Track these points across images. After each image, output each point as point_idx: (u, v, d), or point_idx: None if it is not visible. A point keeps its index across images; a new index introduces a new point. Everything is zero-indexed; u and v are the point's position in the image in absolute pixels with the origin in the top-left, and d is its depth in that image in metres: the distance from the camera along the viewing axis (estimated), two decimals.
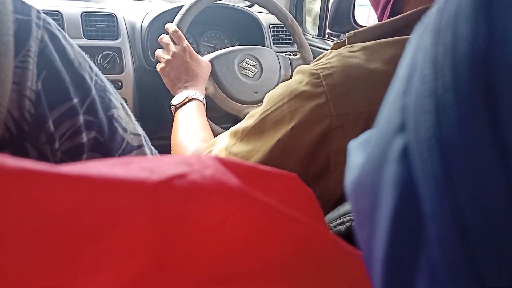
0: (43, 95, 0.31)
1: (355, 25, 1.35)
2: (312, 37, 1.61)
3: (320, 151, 0.52)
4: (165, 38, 1.00)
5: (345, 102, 0.49)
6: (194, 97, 0.91)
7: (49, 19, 0.34)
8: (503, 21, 0.11)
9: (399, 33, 0.52)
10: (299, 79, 0.53)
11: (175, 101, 0.94)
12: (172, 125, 1.26)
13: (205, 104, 0.95)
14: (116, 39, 1.18)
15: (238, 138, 0.59)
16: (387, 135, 0.15)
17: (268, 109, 0.56)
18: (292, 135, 0.52)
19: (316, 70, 0.51)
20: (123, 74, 1.19)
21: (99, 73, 0.37)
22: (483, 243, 0.11)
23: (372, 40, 0.53)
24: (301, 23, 1.63)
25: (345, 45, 0.56)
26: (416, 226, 0.13)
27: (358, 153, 0.20)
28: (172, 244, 0.17)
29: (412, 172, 0.13)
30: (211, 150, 0.64)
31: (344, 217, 0.43)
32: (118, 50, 1.18)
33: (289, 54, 1.35)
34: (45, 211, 0.15)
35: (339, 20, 1.34)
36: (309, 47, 1.22)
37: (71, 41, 0.35)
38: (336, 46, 0.58)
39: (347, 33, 0.58)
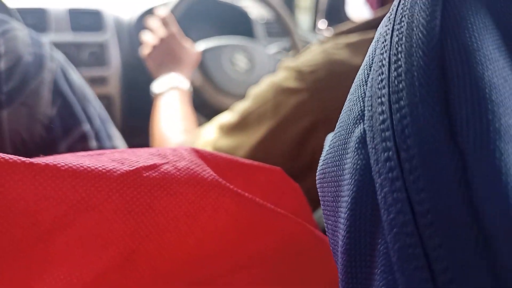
0: (57, 119, 0.34)
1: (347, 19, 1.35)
2: (303, 31, 1.60)
3: (305, 146, 0.52)
4: (154, 22, 0.96)
5: (328, 98, 0.49)
6: (178, 86, 0.85)
7: (60, 53, 0.37)
8: (457, 10, 0.11)
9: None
10: (283, 76, 0.54)
11: (156, 88, 0.86)
12: None
13: (191, 93, 0.90)
14: (103, 35, 1.17)
15: (223, 132, 0.59)
16: (349, 124, 0.15)
17: (252, 105, 0.56)
18: (277, 130, 0.52)
19: (299, 66, 0.52)
20: (109, 70, 1.17)
21: (101, 104, 0.41)
22: (433, 227, 0.11)
23: (359, 31, 0.53)
24: (293, 17, 1.62)
25: (333, 40, 0.56)
26: (373, 214, 0.13)
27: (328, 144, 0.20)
28: (144, 235, 0.17)
29: (369, 162, 0.13)
30: (194, 143, 0.64)
31: None
32: (105, 46, 1.16)
33: (281, 51, 1.34)
34: (12, 199, 0.15)
35: (332, 13, 1.33)
36: (300, 48, 1.21)
37: (78, 73, 0.38)
38: (324, 42, 0.58)
39: (335, 30, 0.58)
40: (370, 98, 0.13)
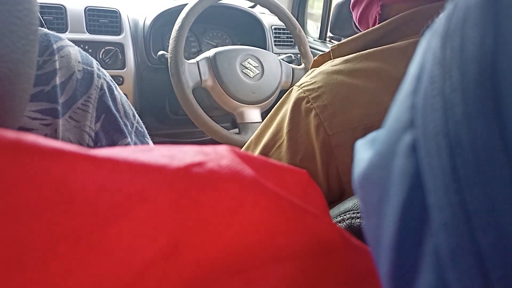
0: (101, 133, 0.36)
1: (356, 29, 1.36)
2: (313, 39, 1.62)
3: (331, 172, 0.52)
4: None
5: (339, 121, 0.50)
6: None
7: (105, 72, 0.39)
8: (508, 26, 0.12)
9: (382, 40, 0.53)
10: (290, 107, 0.53)
11: None
12: (173, 121, 1.26)
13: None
14: (119, 35, 1.19)
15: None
16: (397, 132, 0.16)
17: (267, 145, 0.56)
18: (304, 166, 0.52)
19: (304, 93, 0.52)
20: (124, 69, 1.19)
21: (139, 119, 0.43)
22: (486, 228, 0.12)
23: (355, 51, 0.53)
24: (303, 25, 1.64)
25: (330, 57, 0.57)
26: (422, 215, 0.14)
27: (364, 150, 0.21)
28: (189, 228, 0.18)
29: (419, 166, 0.14)
30: None
31: (344, 215, 0.43)
32: (120, 46, 1.18)
33: (290, 57, 1.36)
34: (74, 189, 0.16)
35: (340, 24, 1.35)
36: (312, 58, 1.23)
37: (120, 91, 0.40)
38: (320, 58, 0.59)
39: (331, 46, 0.58)
40: (422, 108, 0.15)
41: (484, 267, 0.11)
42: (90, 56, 0.38)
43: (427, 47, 0.15)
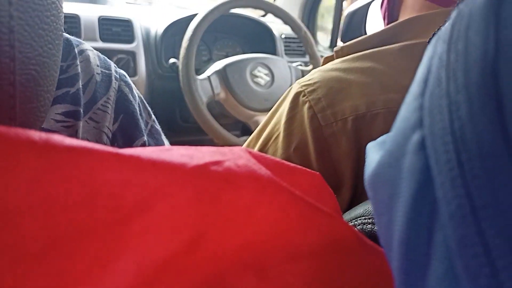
0: (118, 133, 0.38)
1: None
2: (324, 48, 1.63)
3: (326, 163, 0.54)
4: None
5: (331, 112, 0.53)
6: None
7: (123, 72, 0.41)
8: (509, 32, 0.13)
9: (384, 43, 0.56)
10: (288, 103, 0.57)
11: None
12: (183, 129, 1.28)
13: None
14: (131, 43, 1.21)
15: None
16: (406, 131, 0.17)
17: (266, 138, 0.60)
18: (296, 156, 0.56)
19: (301, 88, 0.55)
20: (136, 77, 1.21)
21: (155, 118, 0.44)
22: (491, 219, 0.12)
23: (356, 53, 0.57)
24: (314, 34, 1.65)
25: (333, 59, 0.60)
26: (432, 208, 0.15)
27: (375, 151, 0.22)
28: (209, 223, 0.19)
29: (428, 162, 0.15)
30: None
31: (356, 220, 0.44)
32: (132, 54, 1.20)
33: (301, 65, 1.37)
34: (100, 184, 0.16)
35: (351, 33, 1.35)
36: (320, 58, 1.24)
37: (137, 90, 0.42)
38: (326, 60, 0.62)
39: (335, 48, 0.61)
40: (429, 108, 0.15)
41: (490, 255, 0.12)
42: (108, 59, 0.40)
43: (433, 52, 0.16)
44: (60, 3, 0.25)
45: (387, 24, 0.63)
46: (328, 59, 0.61)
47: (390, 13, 0.62)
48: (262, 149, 0.60)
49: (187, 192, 0.18)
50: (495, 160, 0.12)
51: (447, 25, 0.16)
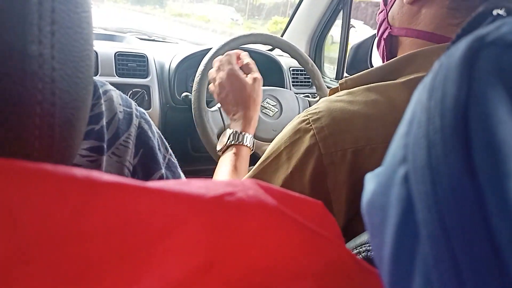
0: (138, 167, 0.41)
1: None
2: (330, 79, 1.68)
3: (319, 189, 0.57)
4: (215, 63, 0.97)
5: (333, 142, 0.55)
6: (232, 142, 0.89)
7: (143, 110, 0.45)
8: (479, 85, 0.16)
9: (385, 77, 0.59)
10: (292, 128, 0.60)
11: (218, 145, 0.92)
12: (195, 159, 1.31)
13: (250, 145, 0.90)
14: (146, 78, 1.26)
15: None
16: (393, 165, 0.19)
17: (267, 158, 0.63)
18: (292, 178, 0.58)
19: (306, 116, 0.58)
20: (150, 109, 1.26)
21: (172, 152, 0.48)
22: (460, 239, 0.15)
23: (360, 86, 0.59)
24: (320, 66, 1.70)
25: (338, 90, 0.63)
26: (414, 231, 0.17)
27: (371, 181, 0.25)
28: (222, 247, 0.21)
29: (411, 192, 0.18)
30: None
31: (360, 248, 0.46)
32: (147, 88, 1.26)
33: (308, 96, 1.41)
34: (129, 212, 0.19)
35: (356, 64, 1.40)
36: (327, 90, 1.28)
37: (155, 127, 0.46)
38: (331, 92, 0.65)
39: (339, 80, 0.64)
40: (412, 146, 0.18)
41: (459, 270, 0.14)
42: (129, 99, 0.43)
43: (418, 98, 0.19)
44: (92, 53, 0.29)
45: (387, 55, 0.67)
46: (333, 91, 0.65)
47: (389, 52, 0.65)
48: (265, 167, 0.63)
49: (203, 220, 0.21)
50: (462, 190, 0.15)
51: (430, 74, 0.19)
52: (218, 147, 0.93)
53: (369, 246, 0.45)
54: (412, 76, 0.56)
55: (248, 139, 0.90)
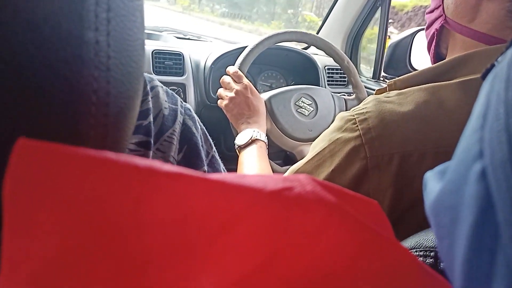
0: (182, 163, 0.41)
1: (411, 69, 1.36)
2: (367, 79, 1.64)
3: (359, 190, 0.55)
4: (226, 79, 1.08)
5: (379, 144, 0.53)
6: (257, 137, 0.96)
7: (188, 106, 0.45)
8: None
9: (438, 78, 0.56)
10: (338, 126, 0.58)
11: (239, 141, 0.99)
12: (228, 157, 1.31)
13: (267, 142, 0.99)
14: (182, 76, 1.27)
15: None
16: (467, 161, 0.18)
17: (311, 155, 0.62)
18: (333, 176, 0.57)
19: (353, 115, 0.56)
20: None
21: (215, 149, 0.48)
22: None
23: (410, 87, 0.57)
24: (356, 65, 1.67)
25: (386, 91, 0.61)
26: (493, 232, 0.16)
27: (434, 180, 0.23)
28: (282, 244, 0.20)
29: (489, 189, 0.16)
30: None
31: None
32: (182, 86, 1.27)
33: (344, 95, 1.38)
34: (189, 207, 0.19)
35: (394, 64, 1.36)
36: (364, 88, 1.25)
37: (200, 123, 0.46)
38: (378, 92, 0.63)
39: (388, 81, 0.62)
40: (489, 141, 0.17)
41: None
42: (175, 95, 0.43)
43: (490, 89, 0.17)
44: (144, 43, 0.29)
45: (434, 62, 0.64)
46: (380, 92, 0.62)
47: (439, 52, 0.63)
48: (307, 163, 0.62)
49: (264, 215, 0.20)
50: None
51: (504, 64, 0.18)
52: (240, 143, 0.99)
53: (415, 251, 0.43)
54: (467, 78, 0.53)
55: (264, 137, 0.99)
